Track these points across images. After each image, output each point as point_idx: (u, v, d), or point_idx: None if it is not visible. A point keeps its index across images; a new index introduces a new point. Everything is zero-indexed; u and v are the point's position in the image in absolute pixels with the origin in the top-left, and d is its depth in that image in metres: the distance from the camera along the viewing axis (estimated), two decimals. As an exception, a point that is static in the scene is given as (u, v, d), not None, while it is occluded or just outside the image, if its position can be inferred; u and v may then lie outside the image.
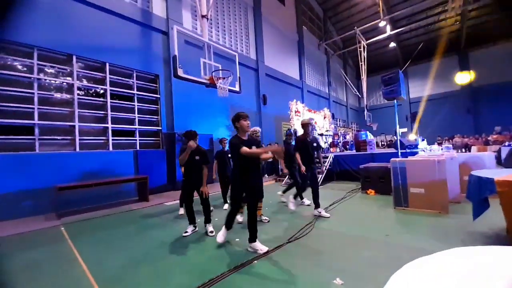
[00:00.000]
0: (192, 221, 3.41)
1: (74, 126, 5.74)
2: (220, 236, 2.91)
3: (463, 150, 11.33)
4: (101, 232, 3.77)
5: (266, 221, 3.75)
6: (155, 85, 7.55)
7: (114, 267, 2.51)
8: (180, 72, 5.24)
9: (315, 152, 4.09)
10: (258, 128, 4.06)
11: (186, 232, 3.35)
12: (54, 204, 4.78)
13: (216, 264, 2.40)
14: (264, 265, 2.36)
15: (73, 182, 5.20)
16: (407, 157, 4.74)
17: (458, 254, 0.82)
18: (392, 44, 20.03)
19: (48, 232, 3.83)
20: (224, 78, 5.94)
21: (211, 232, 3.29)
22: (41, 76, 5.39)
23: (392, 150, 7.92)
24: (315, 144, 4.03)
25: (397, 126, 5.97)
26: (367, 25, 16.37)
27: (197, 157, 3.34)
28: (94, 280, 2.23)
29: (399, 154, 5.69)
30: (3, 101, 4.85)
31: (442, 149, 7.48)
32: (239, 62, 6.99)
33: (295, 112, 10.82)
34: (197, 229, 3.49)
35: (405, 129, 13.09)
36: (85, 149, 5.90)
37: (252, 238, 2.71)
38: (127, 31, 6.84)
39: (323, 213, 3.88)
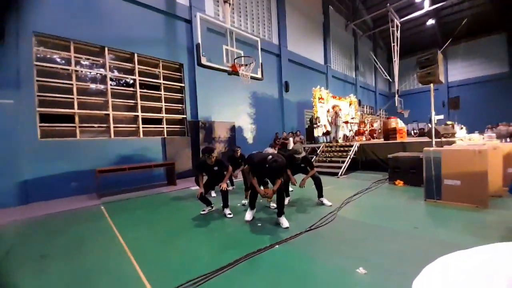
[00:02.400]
0: (208, 204, 3.84)
1: (108, 114, 6.18)
2: (247, 215, 3.30)
3: (508, 139, 10.14)
4: (136, 211, 4.12)
5: (273, 207, 3.72)
6: (180, 74, 7.74)
7: (149, 242, 2.76)
8: (204, 60, 5.30)
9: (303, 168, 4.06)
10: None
11: (204, 211, 3.79)
12: (95, 185, 5.29)
13: (240, 246, 2.51)
14: (285, 250, 2.41)
15: (110, 166, 5.70)
16: (442, 147, 4.40)
17: (500, 249, 0.76)
18: (430, 22, 18.07)
19: (90, 210, 4.28)
20: (246, 65, 5.88)
21: (229, 214, 3.58)
22: (78, 68, 5.80)
23: (425, 139, 7.37)
24: (303, 165, 4.01)
25: (433, 113, 5.50)
26: (402, 0, 14.87)
27: (215, 168, 3.73)
28: (131, 254, 2.47)
29: (433, 143, 5.28)
30: (48, 92, 5.34)
31: (483, 138, 6.78)
32: (261, 48, 6.85)
33: (319, 98, 10.47)
34: (213, 208, 3.88)
35: (441, 116, 11.98)
36: (119, 136, 6.35)
37: (278, 213, 3.10)
38: (152, 21, 7.00)
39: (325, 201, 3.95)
